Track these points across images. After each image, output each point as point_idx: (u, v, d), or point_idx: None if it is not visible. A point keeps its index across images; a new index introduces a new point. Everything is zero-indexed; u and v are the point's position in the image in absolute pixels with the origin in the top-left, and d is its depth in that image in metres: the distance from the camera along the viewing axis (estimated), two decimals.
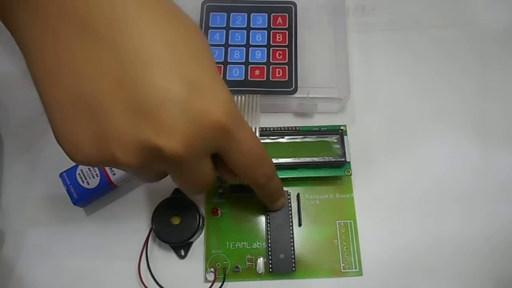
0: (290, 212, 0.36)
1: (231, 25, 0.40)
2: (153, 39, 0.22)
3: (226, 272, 0.35)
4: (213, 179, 0.27)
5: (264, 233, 0.36)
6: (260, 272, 0.35)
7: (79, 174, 0.36)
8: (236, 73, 0.39)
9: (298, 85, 0.38)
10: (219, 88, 0.24)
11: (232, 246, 0.36)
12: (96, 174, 0.36)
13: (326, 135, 0.37)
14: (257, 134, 0.34)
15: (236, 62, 0.39)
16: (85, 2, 0.21)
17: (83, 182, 0.36)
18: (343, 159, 0.36)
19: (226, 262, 0.35)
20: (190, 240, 0.35)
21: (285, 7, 0.41)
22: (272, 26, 0.40)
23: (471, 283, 0.36)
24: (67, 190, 0.36)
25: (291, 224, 0.35)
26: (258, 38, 0.40)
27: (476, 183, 0.38)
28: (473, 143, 0.40)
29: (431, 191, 0.38)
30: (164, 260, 0.36)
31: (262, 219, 0.37)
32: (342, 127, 0.37)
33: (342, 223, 0.37)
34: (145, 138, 0.22)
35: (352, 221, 0.37)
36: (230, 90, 0.37)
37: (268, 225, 0.35)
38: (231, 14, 0.41)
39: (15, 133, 0.40)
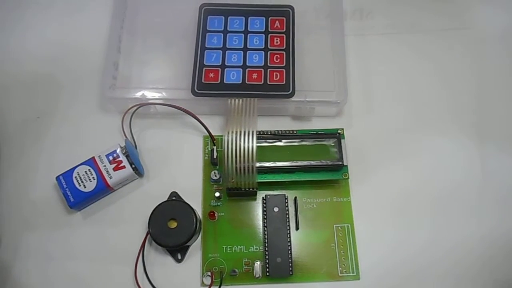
0: (287, 216, 0.36)
1: (228, 29, 0.40)
2: None
3: (223, 276, 0.35)
4: None
5: (261, 236, 0.36)
6: (257, 276, 0.35)
7: (75, 177, 0.36)
8: (233, 76, 0.39)
9: (296, 89, 0.38)
10: None
11: (229, 250, 0.36)
12: (93, 177, 0.36)
13: (323, 139, 0.37)
14: (254, 138, 0.34)
15: (234, 66, 0.39)
16: None
17: (80, 185, 0.36)
18: (341, 163, 0.36)
19: (223, 266, 0.35)
20: (187, 244, 0.35)
21: (283, 10, 0.41)
22: (269, 30, 0.40)
23: (468, 287, 0.36)
24: (63, 193, 0.35)
25: (288, 227, 0.35)
26: (256, 41, 0.40)
27: (474, 186, 0.38)
28: (471, 147, 0.40)
29: (429, 194, 0.38)
30: (160, 264, 0.36)
31: (259, 222, 0.37)
32: (339, 131, 0.37)
33: (339, 227, 0.37)
34: None
35: (349, 225, 0.37)
36: (228, 93, 0.38)
37: (265, 228, 0.35)
38: (229, 17, 0.41)
39: (12, 136, 0.39)
